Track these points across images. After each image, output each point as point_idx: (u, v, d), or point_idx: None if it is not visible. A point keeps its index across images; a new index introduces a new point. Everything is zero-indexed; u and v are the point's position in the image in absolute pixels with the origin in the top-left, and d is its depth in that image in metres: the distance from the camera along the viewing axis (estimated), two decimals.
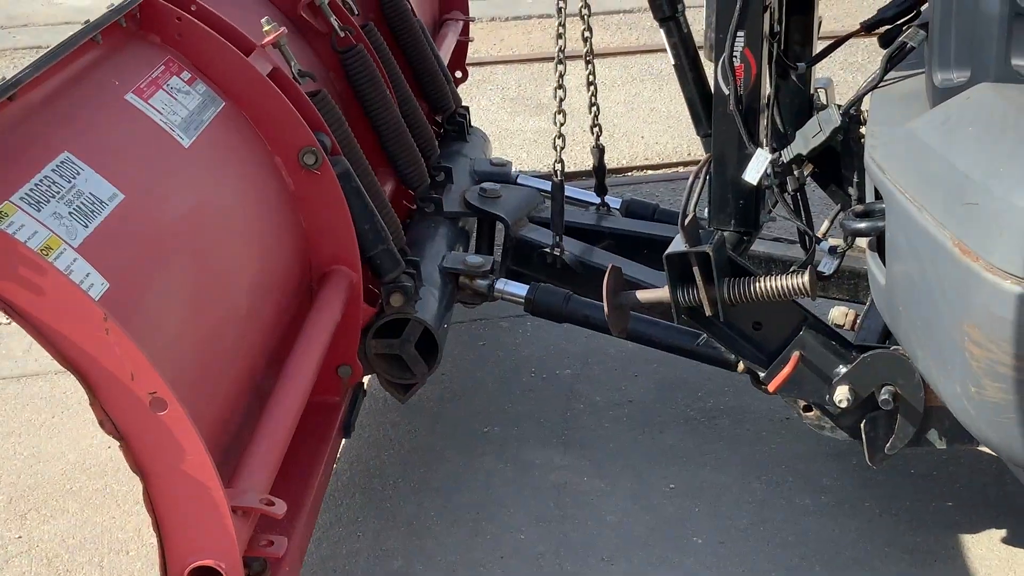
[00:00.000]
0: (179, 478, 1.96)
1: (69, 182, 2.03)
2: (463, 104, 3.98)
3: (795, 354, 2.76)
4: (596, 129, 3.58)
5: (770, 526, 3.09)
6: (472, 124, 4.01)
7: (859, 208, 2.60)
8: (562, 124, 3.28)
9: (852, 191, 3.02)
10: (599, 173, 3.67)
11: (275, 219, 2.60)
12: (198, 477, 1.96)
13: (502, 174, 3.74)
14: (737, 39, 2.81)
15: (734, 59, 2.82)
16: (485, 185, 3.57)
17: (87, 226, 2.00)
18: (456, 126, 3.90)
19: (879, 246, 2.53)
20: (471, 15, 4.61)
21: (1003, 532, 3.05)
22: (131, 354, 1.88)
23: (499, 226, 3.54)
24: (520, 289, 3.21)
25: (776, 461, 3.32)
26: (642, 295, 2.86)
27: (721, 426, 3.48)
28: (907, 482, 3.23)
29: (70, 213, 1.99)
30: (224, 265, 2.37)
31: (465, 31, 4.48)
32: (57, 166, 2.04)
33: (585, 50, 3.47)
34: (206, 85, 2.54)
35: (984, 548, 3.00)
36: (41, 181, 1.99)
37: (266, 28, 2.73)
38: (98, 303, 1.87)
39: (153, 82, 2.41)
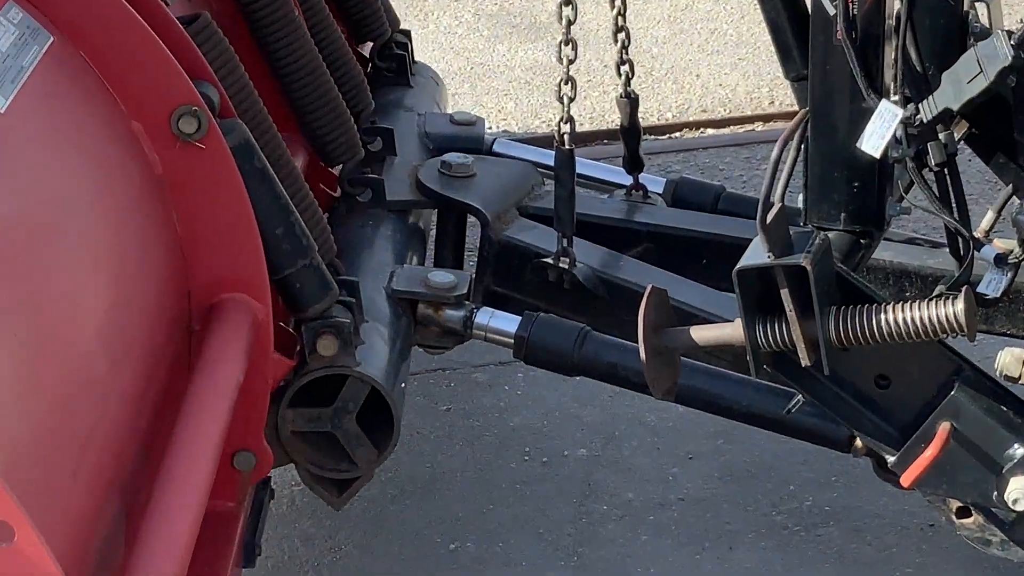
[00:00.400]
0: None
1: None
2: (402, 27, 4.02)
3: (943, 426, 2.79)
4: (625, 69, 3.59)
5: None
6: (413, 59, 4.05)
7: None
8: (571, 61, 3.31)
9: None
10: (630, 138, 3.70)
11: (134, 222, 2.61)
12: None
13: (470, 137, 3.80)
14: None
15: None
16: (449, 157, 3.61)
17: None
18: (394, 62, 3.95)
19: None
20: None
21: None
22: None
23: (472, 221, 3.58)
24: (509, 323, 3.23)
25: None
26: (699, 334, 2.88)
27: (826, 538, 3.52)
28: None
29: None
30: (64, 303, 2.36)
31: None
32: None
33: None
34: (23, 11, 2.54)
35: None
36: None
37: None
38: None
39: None
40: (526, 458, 3.77)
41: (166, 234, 2.67)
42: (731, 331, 2.80)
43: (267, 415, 2.82)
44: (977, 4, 3.31)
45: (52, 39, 2.56)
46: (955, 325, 2.69)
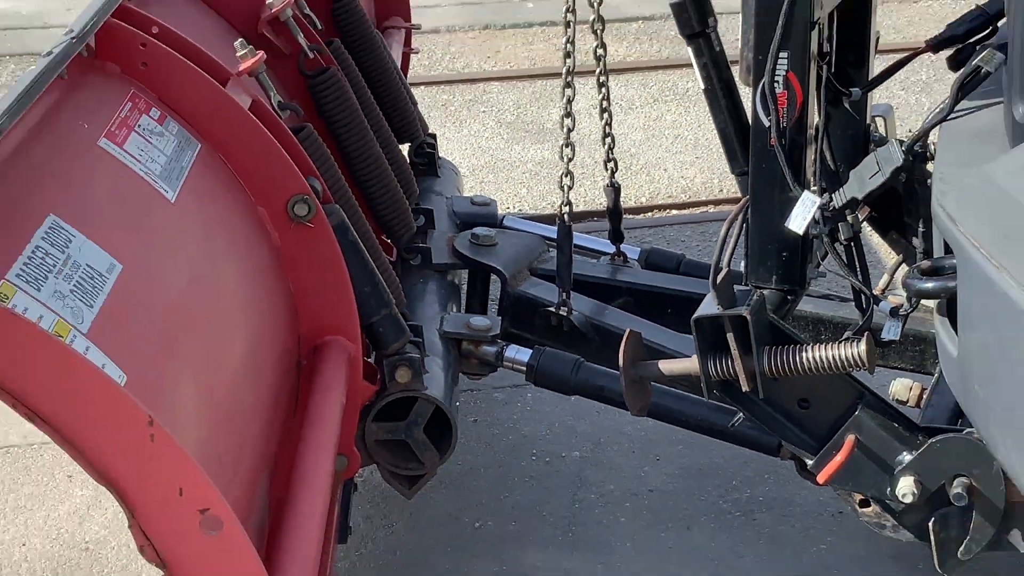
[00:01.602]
0: None
1: (63, 252, 2.02)
2: (429, 132, 4.03)
3: (849, 438, 2.78)
4: (611, 166, 3.61)
5: None
6: (439, 155, 4.05)
7: (926, 264, 2.60)
8: (570, 160, 3.31)
9: (917, 242, 3.04)
10: (614, 217, 3.71)
11: (263, 282, 2.62)
12: None
13: (487, 215, 3.80)
14: (779, 60, 2.82)
15: (776, 84, 2.83)
16: (478, 231, 3.61)
17: (92, 306, 1.98)
18: (425, 158, 3.95)
19: (950, 310, 2.53)
20: (459, 23, 4.64)
21: None
22: (180, 464, 1.82)
23: (494, 278, 3.57)
24: (523, 355, 3.24)
25: (827, 566, 3.35)
26: (666, 366, 2.89)
27: (761, 522, 3.50)
28: None
29: (71, 291, 1.97)
30: (225, 343, 2.39)
31: (407, 41, 4.47)
32: (47, 233, 2.02)
33: (598, 71, 3.50)
34: (178, 124, 2.56)
35: None
36: (34, 253, 1.97)
37: (241, 53, 2.76)
38: (137, 403, 1.80)
39: (123, 123, 2.44)
40: (533, 458, 3.77)
41: (283, 291, 2.69)
42: (689, 364, 2.81)
43: (356, 427, 2.82)
44: (876, 119, 3.32)
45: (200, 146, 2.59)
46: (859, 361, 2.70)
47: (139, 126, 2.47)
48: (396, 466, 3.00)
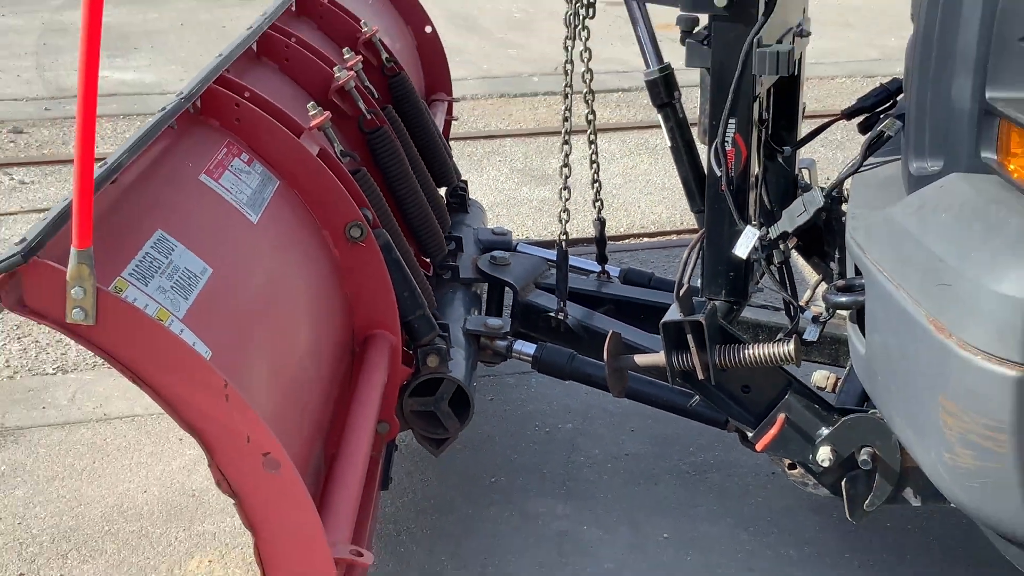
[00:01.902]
0: (288, 534, 1.94)
1: (167, 258, 2.06)
2: (462, 177, 4.02)
3: (781, 416, 2.78)
4: (598, 204, 3.60)
5: (757, 575, 3.08)
6: (469, 196, 4.04)
7: (840, 283, 2.61)
8: (567, 199, 3.31)
9: (833, 266, 3.03)
10: (600, 244, 3.70)
11: (325, 287, 2.62)
12: (307, 534, 1.94)
13: (504, 242, 3.78)
14: (729, 125, 2.82)
15: (726, 144, 2.83)
16: (495, 253, 3.60)
17: (187, 299, 2.02)
18: (458, 198, 3.94)
19: (859, 318, 2.54)
20: (481, 93, 4.64)
21: None
22: (248, 418, 1.87)
23: (508, 291, 3.56)
24: (529, 348, 3.24)
25: (762, 514, 3.34)
26: (640, 359, 2.89)
27: (711, 480, 3.49)
28: (884, 536, 3.23)
29: (171, 287, 2.01)
30: (292, 331, 2.40)
31: (449, 111, 4.49)
32: (155, 243, 2.07)
33: (589, 132, 3.50)
34: (263, 165, 2.58)
35: None
36: (144, 258, 2.01)
37: (312, 112, 2.77)
38: (216, 371, 1.87)
39: (219, 163, 2.46)
40: (536, 428, 3.76)
41: (341, 295, 2.69)
42: (658, 357, 2.81)
43: (397, 400, 2.82)
44: (803, 170, 3.32)
45: (279, 182, 2.60)
46: (788, 357, 2.70)
47: (232, 166, 2.49)
48: (427, 432, 3.00)
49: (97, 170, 1.98)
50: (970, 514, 2.35)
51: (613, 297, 3.60)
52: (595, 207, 3.63)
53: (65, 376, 4.08)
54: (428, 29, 4.34)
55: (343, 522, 2.15)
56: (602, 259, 3.73)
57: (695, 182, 3.30)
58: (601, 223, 3.66)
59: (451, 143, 4.42)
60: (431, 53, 4.35)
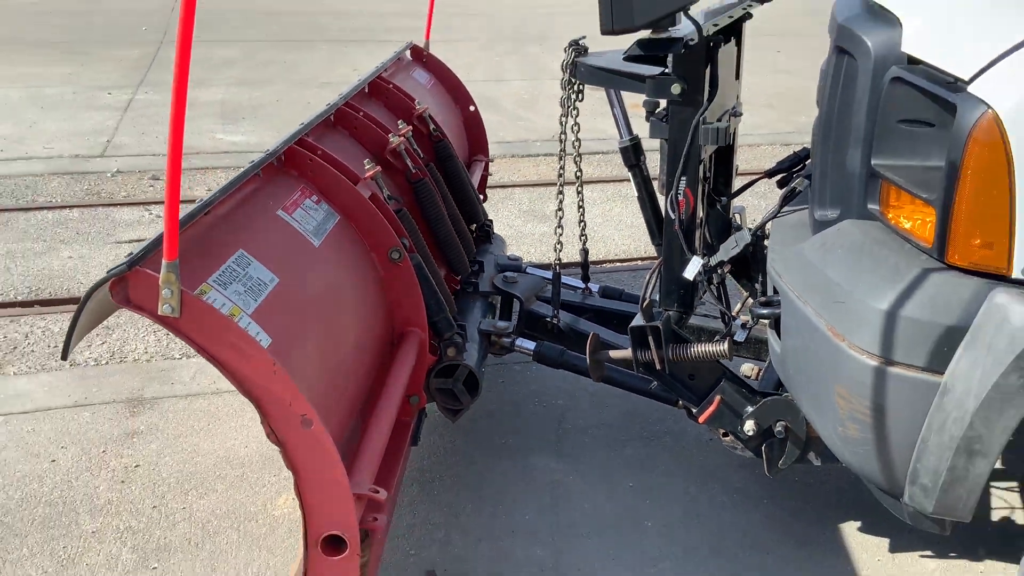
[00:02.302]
0: (319, 473, 1.95)
1: (244, 270, 2.07)
2: (488, 217, 4.01)
3: (717, 397, 2.79)
4: (583, 237, 3.60)
5: (699, 516, 3.09)
6: (493, 231, 4.02)
7: (763, 299, 2.62)
8: (560, 233, 3.31)
9: (758, 287, 3.04)
10: (584, 267, 3.69)
11: (372, 296, 2.61)
12: (332, 473, 1.95)
13: (515, 265, 3.77)
14: (681, 181, 2.84)
15: (679, 194, 2.84)
16: (507, 273, 3.58)
17: (256, 300, 2.02)
18: (484, 232, 3.92)
19: (776, 326, 2.55)
20: (498, 154, 4.62)
21: (860, 523, 3.06)
22: (289, 388, 1.88)
23: (516, 302, 3.55)
24: (530, 345, 3.23)
25: (704, 469, 3.33)
26: (613, 354, 2.89)
27: (665, 443, 3.48)
28: (795, 487, 3.22)
29: (245, 291, 2.02)
30: (342, 327, 2.39)
31: (486, 167, 4.48)
32: (236, 259, 2.07)
33: (577, 184, 3.50)
34: (328, 205, 2.57)
35: (851, 534, 3.00)
36: (226, 269, 2.03)
37: (367, 166, 2.77)
38: (268, 353, 1.90)
39: (294, 203, 2.46)
40: (535, 404, 3.74)
41: (383, 303, 2.67)
42: (627, 353, 2.81)
43: (425, 380, 2.81)
44: (735, 214, 3.32)
45: (339, 217, 2.58)
46: (723, 354, 2.71)
47: (304, 204, 2.48)
48: (446, 404, 2.97)
49: (198, 206, 2.04)
50: (856, 472, 2.36)
51: (594, 307, 3.58)
52: (581, 240, 3.62)
53: (188, 360, 4.10)
54: (472, 108, 4.36)
55: (366, 466, 2.15)
56: (586, 278, 3.72)
57: (655, 223, 3.31)
58: (585, 251, 3.64)
59: (486, 190, 4.46)
60: (473, 126, 4.36)
